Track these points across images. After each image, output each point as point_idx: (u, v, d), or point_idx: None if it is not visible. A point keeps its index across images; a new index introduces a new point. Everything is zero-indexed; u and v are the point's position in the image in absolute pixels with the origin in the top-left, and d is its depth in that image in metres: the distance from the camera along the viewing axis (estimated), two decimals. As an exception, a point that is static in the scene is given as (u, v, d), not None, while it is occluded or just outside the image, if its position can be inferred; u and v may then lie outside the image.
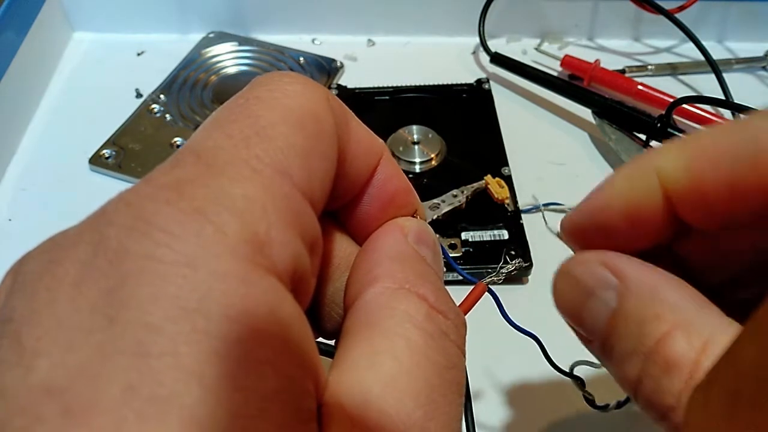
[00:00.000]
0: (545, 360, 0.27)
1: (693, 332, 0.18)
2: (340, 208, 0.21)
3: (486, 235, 0.45)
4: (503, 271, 0.23)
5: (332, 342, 0.21)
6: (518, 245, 0.44)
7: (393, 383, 0.16)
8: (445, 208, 0.45)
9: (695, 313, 0.18)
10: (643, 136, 0.51)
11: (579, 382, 0.29)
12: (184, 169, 0.15)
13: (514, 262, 0.23)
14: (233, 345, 0.13)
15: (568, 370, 0.28)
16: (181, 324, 0.13)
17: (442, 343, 0.17)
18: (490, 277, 0.23)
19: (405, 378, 0.16)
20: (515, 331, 0.25)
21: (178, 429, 0.12)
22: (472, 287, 0.22)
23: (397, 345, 0.17)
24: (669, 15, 0.56)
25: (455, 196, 0.46)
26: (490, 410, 0.37)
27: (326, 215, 0.18)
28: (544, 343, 0.27)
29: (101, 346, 0.12)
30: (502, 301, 0.24)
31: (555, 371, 0.28)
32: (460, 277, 0.24)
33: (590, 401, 0.30)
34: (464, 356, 0.18)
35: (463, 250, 0.44)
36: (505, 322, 0.25)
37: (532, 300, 0.42)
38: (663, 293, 0.19)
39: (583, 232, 0.22)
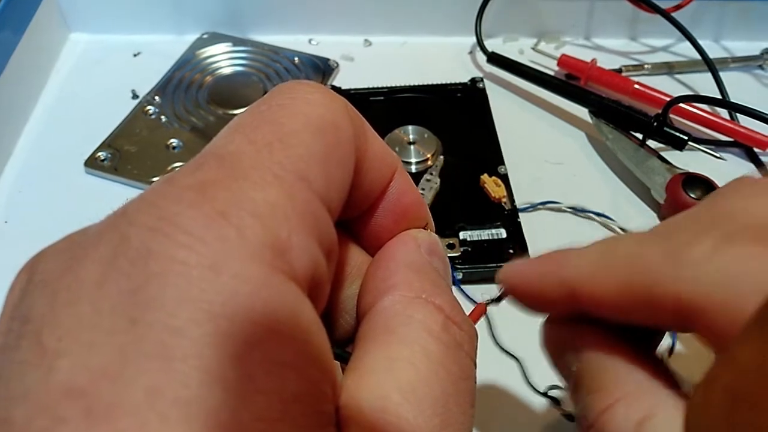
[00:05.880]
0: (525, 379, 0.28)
1: (633, 406, 0.18)
2: (353, 219, 0.21)
3: (484, 234, 0.45)
4: (502, 295, 0.24)
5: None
6: (516, 244, 0.44)
7: (411, 390, 0.16)
8: (428, 195, 0.46)
9: (638, 386, 0.19)
10: (639, 135, 0.51)
11: (555, 402, 0.29)
12: (207, 172, 0.15)
13: None
14: (256, 348, 0.13)
15: (544, 391, 0.29)
16: (205, 327, 0.13)
17: (457, 354, 0.18)
18: (490, 299, 0.24)
19: (423, 386, 0.16)
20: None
21: None
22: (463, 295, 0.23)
23: (415, 353, 0.17)
24: (665, 14, 0.56)
25: (428, 180, 0.47)
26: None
27: (338, 225, 0.18)
28: (524, 365, 0.28)
29: (123, 347, 0.12)
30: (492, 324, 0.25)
31: (531, 387, 0.29)
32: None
33: (569, 416, 0.30)
34: (475, 367, 0.19)
35: (462, 249, 0.44)
36: (491, 338, 0.26)
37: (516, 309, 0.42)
38: (612, 365, 0.20)
39: (515, 288, 0.23)
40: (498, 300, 0.23)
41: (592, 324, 0.21)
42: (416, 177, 0.49)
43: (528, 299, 0.22)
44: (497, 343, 0.26)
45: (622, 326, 0.20)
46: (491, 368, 0.35)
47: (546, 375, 0.27)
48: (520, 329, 0.30)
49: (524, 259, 0.23)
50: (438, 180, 0.47)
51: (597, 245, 0.21)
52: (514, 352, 0.27)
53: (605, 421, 0.19)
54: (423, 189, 0.46)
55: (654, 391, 0.19)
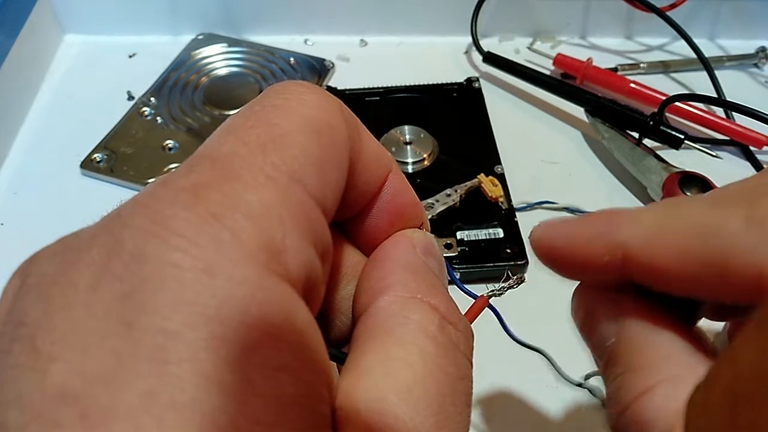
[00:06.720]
0: (553, 370, 0.27)
1: (678, 390, 0.17)
2: (348, 219, 0.21)
3: (481, 234, 0.44)
4: (505, 286, 0.23)
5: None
6: (514, 243, 0.44)
7: (408, 391, 0.16)
8: (440, 208, 0.45)
9: (685, 367, 0.17)
10: (636, 134, 0.51)
11: (591, 392, 0.28)
12: (201, 174, 0.15)
13: (515, 277, 0.23)
14: (251, 351, 0.13)
15: (579, 381, 0.28)
16: (200, 330, 0.13)
17: (454, 354, 0.18)
18: (492, 291, 0.23)
19: (420, 387, 0.16)
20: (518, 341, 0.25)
21: None
22: (464, 293, 0.23)
23: (411, 354, 0.17)
24: (661, 13, 0.56)
25: (449, 195, 0.46)
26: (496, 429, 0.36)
27: (333, 225, 0.18)
28: (550, 356, 0.27)
29: (118, 351, 0.12)
30: (503, 316, 0.24)
31: (564, 379, 0.27)
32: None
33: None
34: (472, 367, 0.19)
35: (459, 249, 0.44)
36: (504, 333, 0.25)
37: (531, 299, 0.41)
38: (657, 341, 0.18)
39: (552, 250, 0.21)
40: (501, 292, 0.23)
41: (634, 292, 0.19)
42: (412, 177, 0.49)
43: (566, 264, 0.20)
44: (512, 337, 0.25)
45: (665, 296, 0.18)
46: (509, 364, 0.35)
47: (571, 366, 0.26)
48: (534, 319, 0.29)
49: (561, 219, 0.21)
50: (458, 199, 0.46)
51: (658, 206, 0.18)
52: (535, 344, 0.26)
53: (643, 404, 0.17)
54: (437, 200, 0.46)
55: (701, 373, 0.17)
